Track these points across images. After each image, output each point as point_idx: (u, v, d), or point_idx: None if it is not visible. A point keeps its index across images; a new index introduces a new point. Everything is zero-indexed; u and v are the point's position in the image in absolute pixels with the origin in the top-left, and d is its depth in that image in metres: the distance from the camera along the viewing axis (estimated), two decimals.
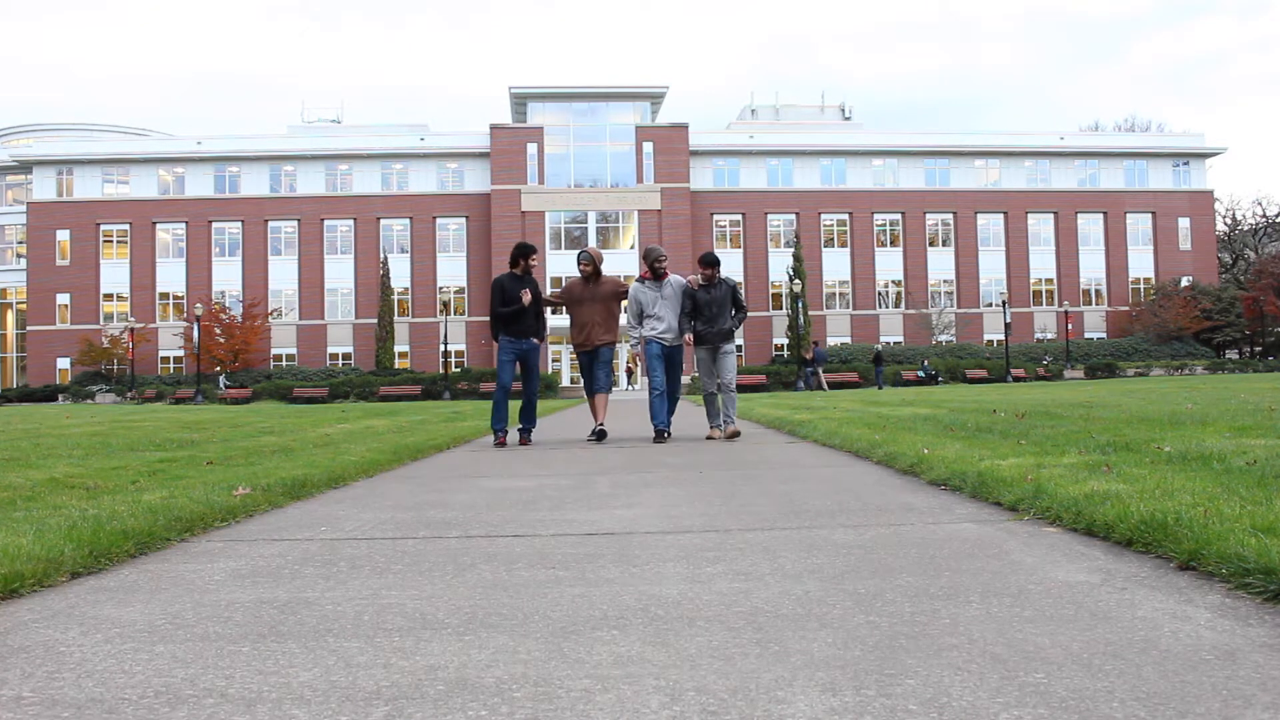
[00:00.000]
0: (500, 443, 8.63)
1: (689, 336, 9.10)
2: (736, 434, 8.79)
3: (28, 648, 2.08)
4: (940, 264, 54.93)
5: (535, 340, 8.99)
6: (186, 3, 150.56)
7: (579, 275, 9.19)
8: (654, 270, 9.18)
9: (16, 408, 35.08)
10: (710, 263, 9.18)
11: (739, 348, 45.12)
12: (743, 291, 9.08)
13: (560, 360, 51.22)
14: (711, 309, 9.11)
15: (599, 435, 8.96)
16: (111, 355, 50.13)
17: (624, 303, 9.26)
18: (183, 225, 53.17)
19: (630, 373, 49.94)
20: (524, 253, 9.00)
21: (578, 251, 9.59)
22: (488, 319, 67.85)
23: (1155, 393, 15.42)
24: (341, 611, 2.36)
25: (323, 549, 3.32)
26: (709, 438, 8.88)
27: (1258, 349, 55.15)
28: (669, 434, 8.85)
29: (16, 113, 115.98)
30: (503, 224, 51.37)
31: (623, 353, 46.89)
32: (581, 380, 9.49)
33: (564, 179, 53.01)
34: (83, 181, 53.34)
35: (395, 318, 51.76)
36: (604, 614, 2.27)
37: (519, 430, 8.87)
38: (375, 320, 51.65)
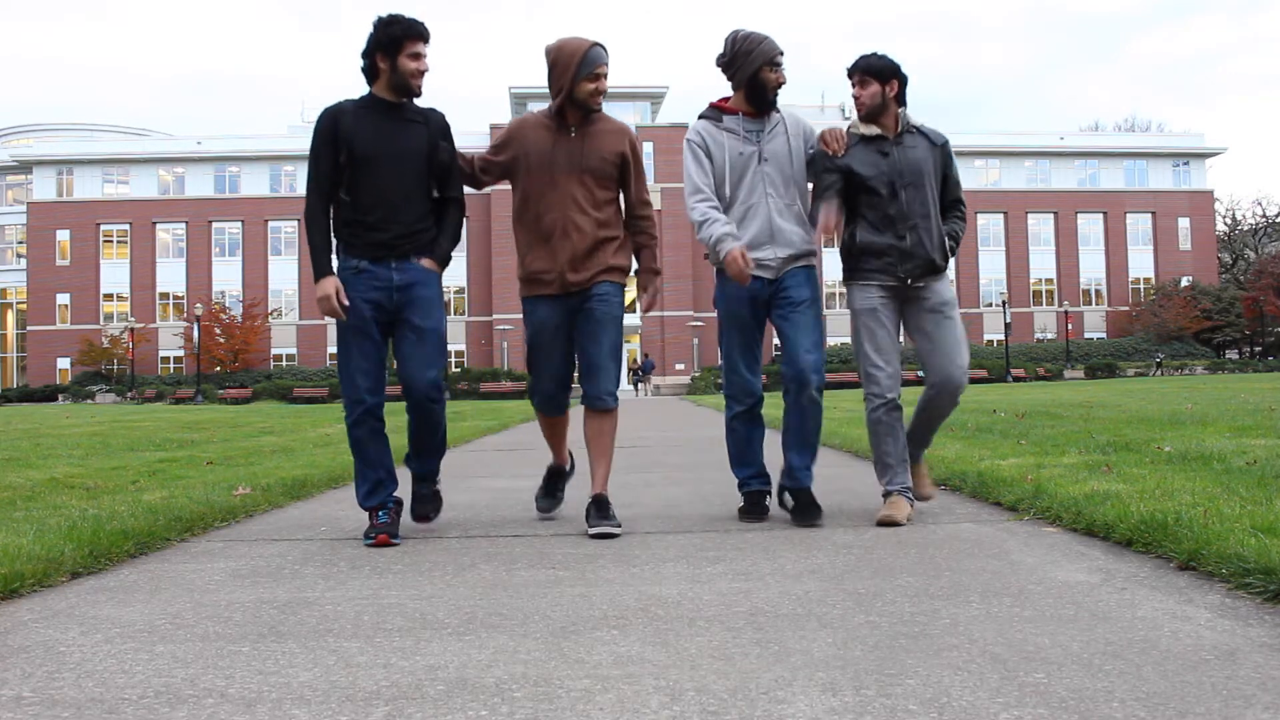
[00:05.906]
0: (376, 531, 3.39)
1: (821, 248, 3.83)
2: (926, 498, 3.94)
3: (28, 648, 2.08)
4: None
5: (423, 261, 3.53)
6: (186, 3, 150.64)
7: (549, 109, 3.94)
8: (752, 86, 3.65)
9: (16, 408, 35.06)
10: (880, 72, 3.59)
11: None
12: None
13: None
14: (897, 192, 3.59)
15: (554, 486, 4.02)
16: (111, 355, 50.08)
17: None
18: (183, 225, 53.12)
19: (635, 371, 41.40)
20: (399, 39, 3.44)
21: (587, 47, 3.82)
22: (487, 318, 63.34)
23: (1155, 393, 15.42)
24: (341, 611, 2.37)
25: (323, 549, 3.32)
26: (883, 521, 3.53)
27: (1258, 349, 55.10)
28: (766, 508, 3.91)
29: (16, 113, 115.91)
30: (502, 224, 51.34)
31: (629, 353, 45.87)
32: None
33: None
34: (83, 181, 53.30)
35: None
36: (604, 614, 2.27)
37: (411, 487, 3.84)
38: None
